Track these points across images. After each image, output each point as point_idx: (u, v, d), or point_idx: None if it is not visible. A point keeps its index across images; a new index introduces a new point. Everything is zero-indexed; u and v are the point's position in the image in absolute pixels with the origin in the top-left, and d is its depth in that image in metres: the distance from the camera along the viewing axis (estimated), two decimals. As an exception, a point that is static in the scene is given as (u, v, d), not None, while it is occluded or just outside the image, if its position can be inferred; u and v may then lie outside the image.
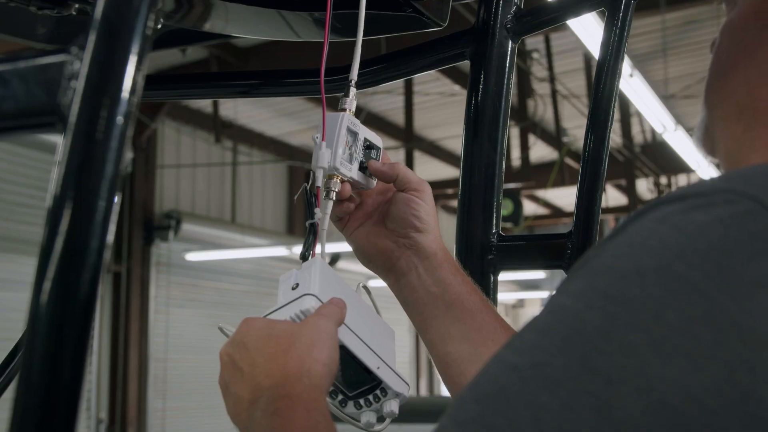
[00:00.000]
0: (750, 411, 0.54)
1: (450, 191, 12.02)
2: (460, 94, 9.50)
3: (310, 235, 1.18)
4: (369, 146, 1.24)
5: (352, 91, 1.25)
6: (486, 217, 1.44)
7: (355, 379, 1.12)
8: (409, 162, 10.25)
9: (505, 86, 1.44)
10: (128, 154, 9.24)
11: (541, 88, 9.70)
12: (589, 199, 1.36)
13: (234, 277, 10.81)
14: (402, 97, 9.60)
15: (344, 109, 1.23)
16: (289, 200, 11.89)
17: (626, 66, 6.04)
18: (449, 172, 12.16)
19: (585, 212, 1.35)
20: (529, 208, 13.50)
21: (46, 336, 0.64)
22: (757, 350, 0.55)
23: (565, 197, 14.32)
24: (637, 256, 0.60)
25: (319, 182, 1.18)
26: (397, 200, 1.24)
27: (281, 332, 0.99)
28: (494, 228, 1.44)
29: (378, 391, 1.13)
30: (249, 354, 0.98)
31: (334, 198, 1.20)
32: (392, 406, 1.13)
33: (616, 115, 9.91)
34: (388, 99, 9.72)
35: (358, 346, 1.10)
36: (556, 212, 15.40)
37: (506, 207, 9.82)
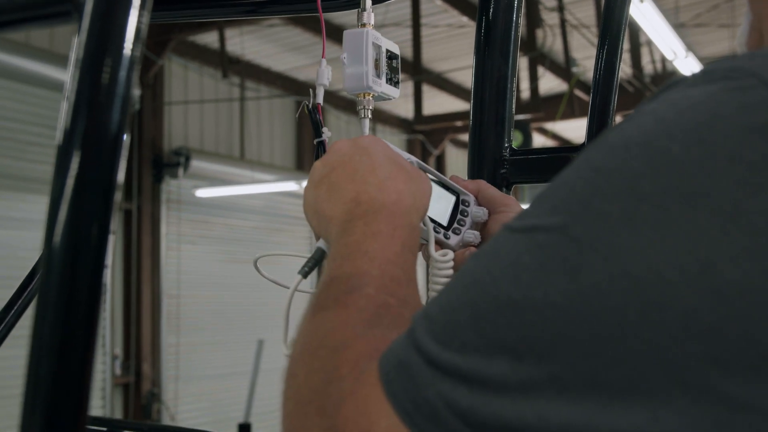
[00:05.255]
0: (707, 283, 0.55)
1: (459, 124, 11.95)
2: (469, 25, 9.40)
3: (319, 154, 1.19)
4: (390, 56, 1.25)
5: (368, 2, 1.25)
6: (498, 131, 1.44)
7: (441, 208, 1.15)
8: (418, 95, 10.18)
9: (516, -2, 1.43)
10: (136, 91, 9.10)
11: (551, 19, 9.59)
12: (599, 129, 1.35)
13: (244, 213, 10.82)
14: (410, 29, 9.51)
15: (364, 24, 1.24)
16: (297, 135, 11.85)
17: (637, -9, 5.97)
18: (458, 105, 12.08)
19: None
20: (538, 140, 13.44)
21: (61, 273, 0.64)
22: (722, 224, 0.56)
23: (574, 129, 14.24)
24: (628, 130, 0.62)
25: (320, 99, 1.20)
26: (490, 227, 1.19)
27: (404, 163, 0.99)
28: (506, 142, 1.44)
29: (461, 207, 1.17)
30: (370, 160, 0.96)
31: (369, 116, 1.22)
32: (480, 211, 1.17)
33: (627, 45, 9.79)
34: (396, 32, 9.63)
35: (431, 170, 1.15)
36: (566, 145, 15.35)
37: (516, 138, 9.79)
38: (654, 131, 0.60)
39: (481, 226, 1.18)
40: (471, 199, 1.18)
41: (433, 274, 1.07)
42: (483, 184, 1.20)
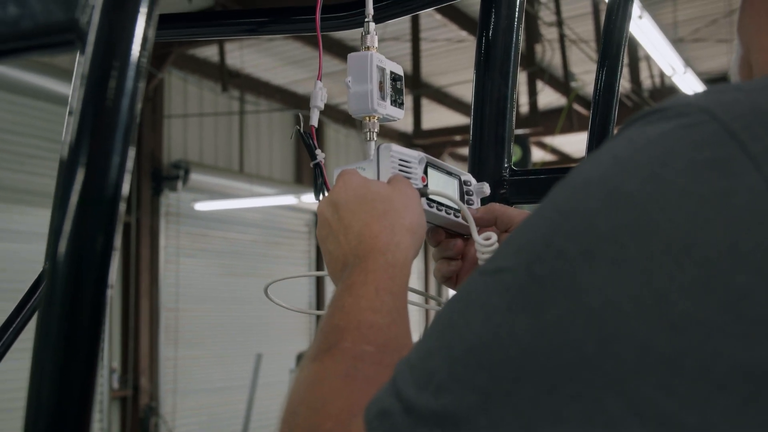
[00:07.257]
0: (662, 314, 0.56)
1: (458, 138, 11.96)
2: (468, 40, 9.42)
3: (318, 177, 1.20)
4: (394, 78, 1.26)
5: (371, 26, 1.26)
6: (498, 151, 1.44)
7: (450, 194, 1.19)
8: (417, 109, 10.19)
9: (516, 18, 1.43)
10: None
11: (549, 33, 9.61)
12: (599, 142, 1.35)
13: (243, 227, 10.82)
14: (409, 44, 9.53)
15: (368, 48, 1.25)
16: (296, 149, 11.86)
17: (636, 7, 5.98)
18: (457, 119, 12.10)
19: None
20: (537, 155, 13.45)
21: (64, 293, 0.64)
22: (677, 257, 0.57)
23: (573, 144, 14.26)
24: (588, 170, 0.64)
25: (314, 121, 1.23)
26: None
27: (376, 196, 1.03)
28: (506, 162, 1.44)
29: (466, 187, 1.25)
30: (344, 216, 1.02)
31: (375, 138, 1.23)
32: (482, 186, 1.26)
33: (625, 60, 9.81)
34: (395, 46, 9.65)
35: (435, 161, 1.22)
36: (565, 159, 15.36)
37: (515, 153, 9.77)
38: (611, 170, 0.62)
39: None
40: (469, 177, 1.25)
41: (480, 259, 1.12)
42: (498, 209, 1.23)
